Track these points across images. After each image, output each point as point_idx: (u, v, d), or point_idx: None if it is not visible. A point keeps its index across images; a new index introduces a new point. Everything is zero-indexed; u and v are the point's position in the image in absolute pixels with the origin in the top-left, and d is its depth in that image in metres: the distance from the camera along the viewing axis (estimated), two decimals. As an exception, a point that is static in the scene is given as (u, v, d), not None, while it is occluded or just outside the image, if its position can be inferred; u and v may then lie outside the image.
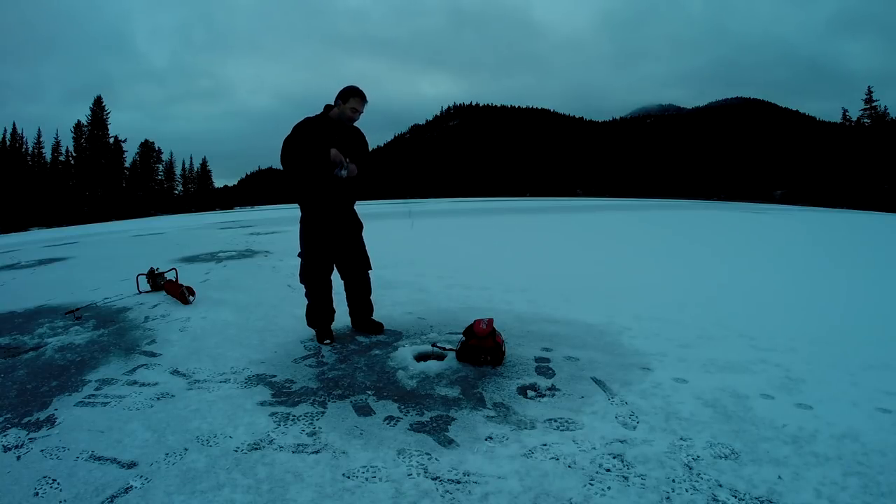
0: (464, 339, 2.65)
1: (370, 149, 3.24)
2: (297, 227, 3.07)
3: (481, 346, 2.56)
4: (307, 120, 2.95)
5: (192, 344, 3.04)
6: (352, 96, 2.91)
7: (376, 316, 3.33)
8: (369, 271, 3.21)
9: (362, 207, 3.30)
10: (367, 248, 3.21)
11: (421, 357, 2.72)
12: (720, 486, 1.55)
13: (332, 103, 2.98)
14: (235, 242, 9.72)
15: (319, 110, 3.00)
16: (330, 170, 2.83)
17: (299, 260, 3.10)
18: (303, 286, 3.14)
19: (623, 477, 1.60)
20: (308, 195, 2.97)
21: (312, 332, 3.18)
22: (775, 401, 2.13)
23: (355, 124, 3.06)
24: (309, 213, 3.01)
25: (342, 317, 3.57)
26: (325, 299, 3.10)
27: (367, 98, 2.97)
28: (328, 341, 3.02)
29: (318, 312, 3.10)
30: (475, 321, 2.65)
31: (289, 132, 2.89)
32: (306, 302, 3.15)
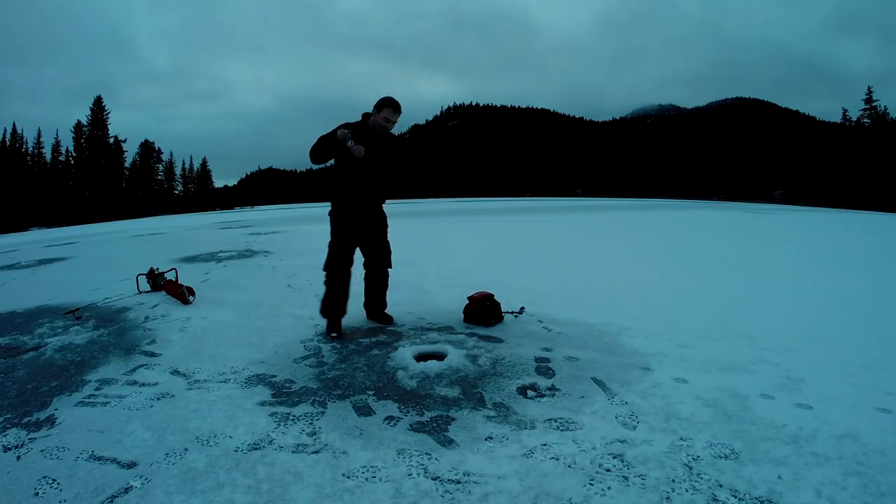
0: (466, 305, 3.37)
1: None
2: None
3: (480, 302, 3.31)
4: (344, 124, 3.11)
5: (192, 344, 3.04)
6: (385, 106, 3.07)
7: None
8: (389, 269, 3.37)
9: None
10: (390, 246, 3.38)
11: (421, 357, 2.72)
12: (720, 486, 1.55)
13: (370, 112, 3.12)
14: (235, 242, 9.72)
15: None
16: (341, 147, 2.96)
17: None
18: (324, 274, 3.22)
19: (623, 477, 1.60)
20: (338, 190, 3.13)
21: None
22: (775, 401, 2.13)
23: (393, 132, 3.21)
24: (338, 206, 3.16)
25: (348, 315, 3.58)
26: (342, 291, 3.17)
27: (402, 109, 3.11)
28: (335, 335, 3.08)
29: (333, 303, 3.15)
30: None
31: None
32: (324, 290, 3.21)
